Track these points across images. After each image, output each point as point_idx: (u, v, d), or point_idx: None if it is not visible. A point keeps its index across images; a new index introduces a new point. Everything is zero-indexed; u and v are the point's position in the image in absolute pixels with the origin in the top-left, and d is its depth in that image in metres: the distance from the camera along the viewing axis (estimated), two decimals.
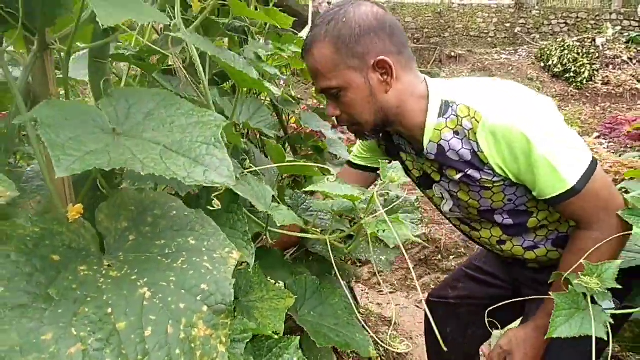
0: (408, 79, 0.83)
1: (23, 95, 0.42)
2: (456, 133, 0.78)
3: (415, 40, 11.49)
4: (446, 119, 0.79)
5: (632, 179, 1.42)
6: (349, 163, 1.12)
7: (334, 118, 0.87)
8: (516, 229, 0.88)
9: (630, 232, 0.73)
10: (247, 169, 0.59)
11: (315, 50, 0.80)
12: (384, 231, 0.57)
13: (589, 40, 9.51)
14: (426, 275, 2.81)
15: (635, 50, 9.62)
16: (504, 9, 11.19)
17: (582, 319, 0.65)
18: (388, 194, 1.46)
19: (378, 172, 0.77)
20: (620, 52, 9.36)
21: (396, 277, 2.69)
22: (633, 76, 8.83)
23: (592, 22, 10.42)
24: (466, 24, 11.12)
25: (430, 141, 0.82)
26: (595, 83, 8.63)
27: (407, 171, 0.98)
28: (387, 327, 2.08)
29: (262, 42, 1.10)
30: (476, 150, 0.77)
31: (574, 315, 0.65)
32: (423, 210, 2.96)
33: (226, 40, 1.08)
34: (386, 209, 0.56)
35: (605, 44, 9.46)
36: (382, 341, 1.57)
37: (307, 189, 0.55)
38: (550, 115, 0.75)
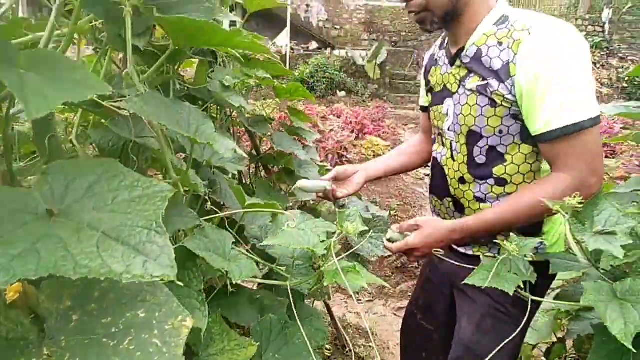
0: None
1: None
2: (499, 44, 0.83)
3: (393, 44, 11.65)
4: (499, 29, 0.85)
5: None
6: (422, 108, 1.19)
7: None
8: (482, 171, 0.92)
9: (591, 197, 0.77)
10: (207, 215, 0.58)
11: None
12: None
13: None
14: (403, 283, 2.85)
15: (599, 55, 10.06)
16: None
17: (497, 277, 0.74)
18: (362, 214, 1.48)
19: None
20: None
21: (374, 286, 2.71)
22: (597, 80, 9.22)
23: None
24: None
25: (473, 44, 0.87)
26: (587, 69, 8.92)
27: (429, 89, 1.05)
28: (365, 339, 2.09)
29: (230, 67, 1.08)
30: (511, 60, 0.80)
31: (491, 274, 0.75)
32: (399, 219, 3.00)
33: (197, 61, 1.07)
34: (342, 256, 0.56)
35: None
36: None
37: (265, 242, 0.55)
38: (587, 62, 0.80)
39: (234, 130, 1.44)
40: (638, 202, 0.88)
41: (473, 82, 0.88)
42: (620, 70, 9.71)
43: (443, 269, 1.13)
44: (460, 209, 1.00)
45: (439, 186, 1.04)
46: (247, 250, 0.67)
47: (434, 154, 1.07)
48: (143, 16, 0.55)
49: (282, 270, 0.68)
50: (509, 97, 0.82)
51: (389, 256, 2.88)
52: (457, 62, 0.92)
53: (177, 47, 0.55)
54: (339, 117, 6.18)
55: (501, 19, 0.85)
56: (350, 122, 4.43)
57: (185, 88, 0.96)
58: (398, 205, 3.20)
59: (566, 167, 0.81)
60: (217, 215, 0.61)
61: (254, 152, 1.51)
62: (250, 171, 1.55)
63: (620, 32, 10.83)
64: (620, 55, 10.42)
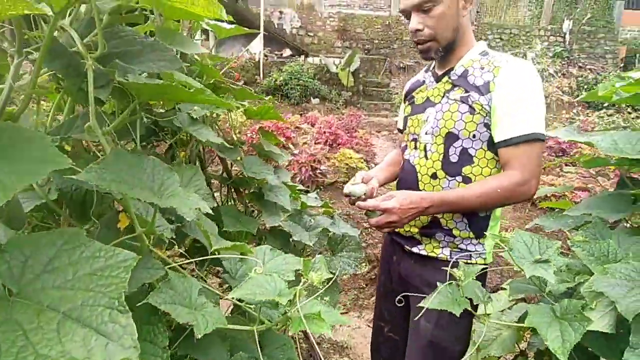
0: (468, 15, 1.09)
1: None
2: (482, 68, 1.06)
3: (365, 51, 11.83)
4: (481, 58, 1.08)
5: (550, 209, 1.56)
6: (399, 129, 1.36)
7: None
8: (453, 169, 1.09)
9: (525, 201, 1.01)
10: (169, 264, 0.59)
11: None
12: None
13: (521, 55, 10.32)
14: None
15: (559, 64, 10.58)
16: None
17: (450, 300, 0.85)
18: (334, 233, 1.51)
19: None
20: (548, 65, 10.24)
21: (348, 297, 2.74)
22: (558, 87, 9.70)
23: (524, 37, 11.31)
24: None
25: (461, 65, 1.09)
26: (542, 96, 9.34)
27: (411, 104, 1.23)
28: (339, 354, 2.11)
29: None
30: (491, 80, 1.02)
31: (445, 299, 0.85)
32: (365, 246, 3.04)
33: None
34: (308, 300, 0.58)
35: (535, 58, 10.31)
36: None
37: (231, 295, 0.56)
38: (542, 93, 1.04)
39: (205, 154, 1.44)
40: (585, 228, 0.94)
41: (457, 93, 1.08)
42: (580, 78, 10.25)
43: (397, 271, 1.26)
44: None
45: (408, 184, 1.17)
46: (220, 284, 0.68)
47: (406, 157, 1.21)
48: (109, 67, 0.56)
49: (250, 309, 0.69)
50: (487, 107, 1.03)
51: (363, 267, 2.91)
52: (444, 79, 1.13)
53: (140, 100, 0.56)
54: (313, 125, 6.22)
55: (483, 52, 1.11)
56: (324, 133, 4.47)
57: (154, 120, 0.96)
58: None
59: (517, 167, 1.00)
60: (187, 261, 0.62)
61: (225, 175, 1.51)
62: (222, 194, 1.55)
63: (580, 42, 11.44)
64: (580, 64, 11.00)
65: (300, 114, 7.82)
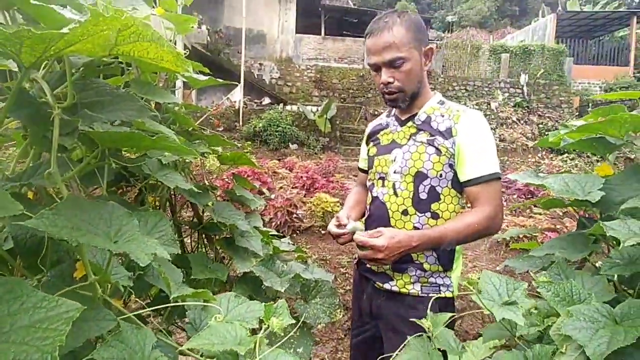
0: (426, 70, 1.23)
1: None
2: (442, 115, 1.18)
3: (341, 100, 12.33)
4: (440, 107, 1.21)
5: (519, 250, 1.59)
6: (359, 169, 1.47)
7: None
8: (422, 205, 1.16)
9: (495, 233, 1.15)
10: (121, 315, 0.56)
11: (395, 28, 1.11)
12: None
13: (485, 104, 11.02)
14: None
15: (521, 113, 11.32)
16: None
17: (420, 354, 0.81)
18: (307, 279, 1.48)
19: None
20: (510, 114, 10.94)
21: (326, 349, 2.62)
22: (522, 134, 10.30)
23: (486, 89, 12.14)
24: None
25: (424, 112, 1.21)
26: (494, 140, 9.88)
27: (376, 145, 1.30)
28: None
29: None
30: (452, 126, 1.14)
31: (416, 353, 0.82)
32: (350, 276, 3.00)
33: None
34: (270, 350, 0.56)
35: (498, 108, 11.01)
36: None
37: (186, 346, 0.53)
38: (493, 137, 1.18)
39: (176, 200, 1.42)
40: (548, 268, 0.96)
41: (423, 136, 1.18)
42: (541, 125, 10.95)
43: (368, 308, 1.28)
44: None
45: (379, 220, 1.21)
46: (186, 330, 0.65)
47: (374, 194, 1.26)
48: (78, 117, 0.57)
49: None
50: (451, 149, 1.13)
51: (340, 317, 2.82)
52: (409, 124, 1.23)
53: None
54: (291, 170, 6.27)
55: (440, 101, 1.23)
56: (301, 177, 4.51)
57: (123, 166, 0.95)
58: (348, 262, 3.22)
59: (485, 203, 1.11)
60: (144, 310, 0.59)
61: (196, 220, 1.48)
62: (192, 240, 1.51)
63: (537, 94, 12.36)
64: (539, 113, 11.81)
65: (279, 159, 7.91)
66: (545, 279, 0.88)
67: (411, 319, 0.89)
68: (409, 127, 1.22)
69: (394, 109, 1.30)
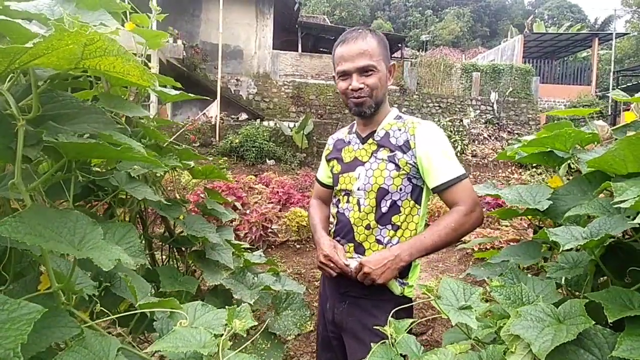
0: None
1: None
2: (399, 129, 1.23)
3: (318, 116, 12.50)
4: (396, 122, 1.26)
5: (482, 259, 1.66)
6: (319, 182, 1.49)
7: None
8: (384, 219, 1.22)
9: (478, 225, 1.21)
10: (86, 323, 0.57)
11: (368, 38, 1.18)
12: None
13: (458, 121, 11.40)
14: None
15: (492, 129, 11.78)
16: (390, 92, 12.94)
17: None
18: (279, 291, 1.49)
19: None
20: (482, 130, 11.36)
21: None
22: (493, 149, 10.69)
23: (459, 106, 12.59)
24: None
25: (382, 128, 1.26)
26: (467, 155, 10.23)
27: (340, 162, 1.34)
28: None
29: None
30: (409, 139, 1.20)
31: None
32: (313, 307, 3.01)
33: None
34: (236, 351, 0.58)
35: (470, 124, 11.42)
36: None
37: (150, 348, 0.55)
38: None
39: (147, 214, 1.42)
40: (503, 274, 1.02)
41: (384, 153, 1.23)
42: (510, 141, 11.41)
43: (330, 317, 1.32)
44: (360, 252, 1.24)
45: (343, 235, 1.27)
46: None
47: (339, 210, 1.31)
48: (42, 129, 0.58)
49: None
50: (411, 162, 1.19)
51: (312, 331, 2.82)
52: (369, 141, 1.27)
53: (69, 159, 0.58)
54: (267, 185, 6.27)
55: (397, 116, 1.29)
56: (277, 192, 4.53)
57: (91, 179, 0.96)
58: None
59: (461, 202, 1.17)
60: (110, 317, 0.60)
61: (167, 234, 1.48)
62: (163, 254, 1.50)
63: (506, 111, 12.91)
64: (509, 129, 12.32)
65: (256, 175, 7.89)
66: (498, 283, 0.93)
67: (375, 327, 0.92)
68: (370, 144, 1.27)
69: (355, 127, 1.36)
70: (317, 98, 12.72)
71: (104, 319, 0.61)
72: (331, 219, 1.36)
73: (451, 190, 1.18)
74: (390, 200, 1.21)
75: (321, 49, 15.55)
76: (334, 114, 12.64)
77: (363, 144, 1.29)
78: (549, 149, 1.18)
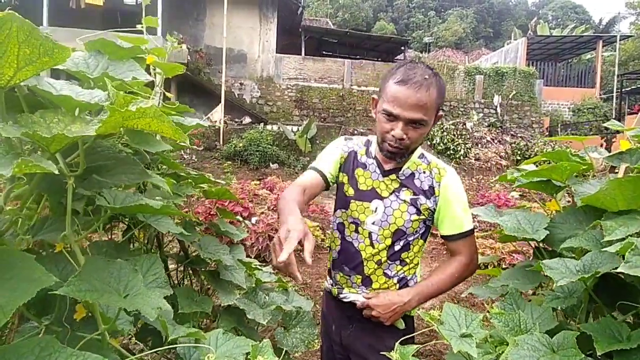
0: None
1: None
2: (424, 172, 1.22)
3: (322, 119, 12.57)
4: (421, 161, 1.24)
5: (485, 276, 1.72)
6: (316, 170, 1.28)
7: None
8: (395, 255, 1.24)
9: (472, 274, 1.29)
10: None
11: (431, 90, 1.08)
12: None
13: (462, 124, 11.44)
14: None
15: (495, 132, 11.80)
16: None
17: None
18: (285, 308, 1.56)
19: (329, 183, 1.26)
20: (485, 133, 11.39)
21: None
22: (496, 153, 10.72)
23: (462, 109, 12.62)
24: (365, 106, 12.61)
25: (408, 168, 1.23)
26: (470, 159, 10.28)
27: (353, 184, 1.26)
28: None
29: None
30: (435, 186, 1.21)
31: None
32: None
33: None
34: None
35: (474, 127, 11.46)
36: None
37: None
38: None
39: (162, 236, 1.49)
40: (503, 299, 1.09)
41: (407, 195, 1.21)
42: (513, 145, 11.44)
43: (338, 340, 1.33)
44: (367, 284, 1.26)
45: (351, 266, 1.27)
46: None
47: (344, 238, 1.28)
48: (86, 183, 0.66)
49: None
50: (431, 208, 1.21)
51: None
52: (392, 176, 1.23)
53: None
54: (271, 190, 6.34)
55: (421, 155, 1.26)
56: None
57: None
58: None
59: (464, 254, 1.24)
60: (145, 353, 0.68)
61: (182, 254, 1.55)
62: (178, 273, 1.58)
63: (510, 114, 12.93)
64: (512, 132, 12.34)
65: (259, 179, 7.96)
66: (497, 311, 1.00)
67: (381, 353, 0.97)
68: (392, 180, 1.23)
69: (374, 150, 1.27)
70: (321, 101, 12.79)
71: (143, 354, 0.68)
72: (331, 240, 1.35)
73: (459, 242, 1.23)
74: (405, 240, 1.23)
75: (324, 52, 15.63)
76: (337, 117, 12.71)
77: (384, 176, 1.24)
78: (546, 179, 1.24)
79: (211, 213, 2.83)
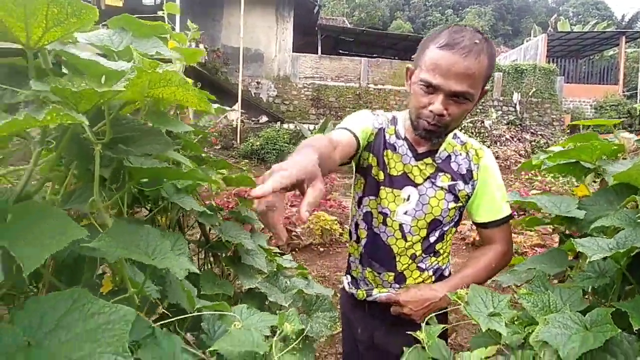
0: None
1: None
2: (460, 154, 1.11)
3: (339, 118, 12.56)
4: (456, 142, 1.12)
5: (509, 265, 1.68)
6: (347, 130, 1.05)
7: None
8: (430, 248, 1.14)
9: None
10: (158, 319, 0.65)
11: (481, 57, 0.91)
12: None
13: (480, 122, 11.25)
14: None
15: (514, 130, 11.56)
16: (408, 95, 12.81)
17: None
18: (309, 294, 1.56)
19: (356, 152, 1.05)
20: (504, 131, 11.17)
21: None
22: (515, 151, 10.50)
23: (480, 107, 12.41)
24: (381, 104, 12.55)
25: (444, 149, 1.10)
26: None
27: (383, 168, 1.11)
28: None
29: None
30: (473, 169, 1.10)
31: None
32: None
33: None
34: (284, 351, 0.64)
35: (492, 125, 11.25)
36: None
37: (213, 347, 0.62)
38: None
39: (184, 220, 1.51)
40: (531, 281, 1.06)
41: (444, 181, 1.09)
42: (533, 143, 11.18)
43: (366, 341, 1.23)
44: (401, 281, 1.15)
45: (382, 262, 1.15)
46: (198, 345, 0.73)
47: (371, 229, 1.14)
48: (112, 151, 0.67)
49: None
50: (469, 194, 1.10)
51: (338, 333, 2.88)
52: (427, 160, 1.09)
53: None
54: None
55: (454, 135, 1.12)
56: (299, 196, 4.60)
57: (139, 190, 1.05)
58: None
59: (499, 242, 1.14)
60: (171, 319, 0.68)
61: (203, 239, 1.57)
62: (199, 258, 1.59)
63: (529, 111, 12.64)
64: (532, 130, 12.06)
65: None
66: (525, 291, 0.97)
67: (407, 332, 0.93)
68: (427, 165, 1.09)
69: (403, 128, 1.12)
70: (337, 100, 12.79)
71: (167, 321, 0.68)
72: (355, 234, 1.21)
73: (495, 230, 1.13)
74: (440, 230, 1.12)
75: (340, 51, 15.61)
76: None
77: (417, 160, 1.10)
78: (574, 160, 1.20)
79: (229, 206, 2.86)
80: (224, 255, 1.49)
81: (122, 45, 0.84)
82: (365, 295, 1.20)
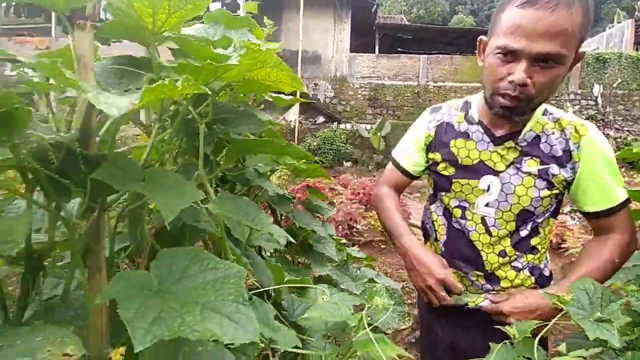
0: None
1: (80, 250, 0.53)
2: (553, 133, 0.92)
3: (396, 117, 12.36)
4: (547, 119, 0.94)
5: None
6: (399, 168, 1.16)
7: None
8: (523, 244, 0.99)
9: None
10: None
11: (573, 10, 0.76)
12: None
13: None
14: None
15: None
16: (474, 90, 12.25)
17: None
18: (376, 284, 1.55)
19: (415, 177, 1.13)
20: None
21: None
22: None
23: (554, 101, 11.47)
24: (441, 103, 12.11)
25: (531, 129, 0.94)
26: None
27: (452, 161, 1.02)
28: None
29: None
30: (571, 149, 0.91)
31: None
32: (411, 290, 3.00)
33: None
34: (370, 327, 0.65)
35: None
36: None
37: (306, 315, 0.64)
38: None
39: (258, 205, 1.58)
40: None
41: (531, 165, 0.93)
42: (619, 140, 10.08)
43: (450, 344, 1.11)
44: (493, 282, 1.01)
45: (467, 261, 1.03)
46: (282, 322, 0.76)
47: (451, 224, 1.05)
48: (212, 131, 0.72)
49: (312, 341, 0.76)
50: (568, 179, 0.92)
51: (404, 329, 2.82)
52: (508, 144, 0.95)
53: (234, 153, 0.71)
54: (345, 187, 6.40)
55: (544, 111, 0.95)
56: (358, 194, 4.61)
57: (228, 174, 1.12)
58: None
59: (618, 231, 0.94)
60: (260, 290, 0.72)
61: None
62: None
63: (613, 105, 11.42)
64: (617, 126, 10.88)
65: (333, 177, 8.08)
66: (634, 288, 0.88)
67: (496, 327, 0.83)
68: (509, 149, 0.96)
69: (476, 113, 1.02)
70: (395, 99, 12.58)
71: (256, 291, 0.72)
72: (433, 232, 1.11)
73: (610, 218, 0.94)
74: (532, 222, 0.98)
75: (398, 49, 15.33)
76: (412, 114, 12.36)
77: (496, 145, 0.97)
78: None
79: (296, 196, 2.93)
80: (294, 243, 1.53)
81: (217, 36, 0.91)
82: (459, 302, 1.02)
